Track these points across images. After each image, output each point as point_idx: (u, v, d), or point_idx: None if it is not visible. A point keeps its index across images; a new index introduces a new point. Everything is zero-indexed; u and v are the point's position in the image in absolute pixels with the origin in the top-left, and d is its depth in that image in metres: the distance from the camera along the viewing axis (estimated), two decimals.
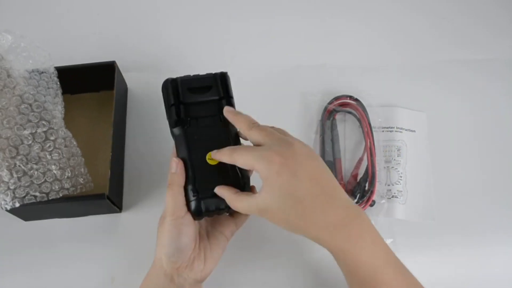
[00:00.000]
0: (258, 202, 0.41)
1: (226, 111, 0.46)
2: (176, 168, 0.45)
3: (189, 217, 0.44)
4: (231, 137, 0.47)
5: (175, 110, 0.47)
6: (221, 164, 0.45)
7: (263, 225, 0.55)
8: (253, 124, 0.44)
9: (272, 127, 0.45)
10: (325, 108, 0.62)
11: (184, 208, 0.44)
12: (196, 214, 0.44)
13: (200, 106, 0.48)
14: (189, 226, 0.44)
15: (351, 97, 0.62)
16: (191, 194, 0.44)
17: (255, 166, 0.41)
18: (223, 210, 0.44)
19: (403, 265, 0.43)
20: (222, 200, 0.44)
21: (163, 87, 0.49)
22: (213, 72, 0.50)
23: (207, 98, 0.48)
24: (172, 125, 0.47)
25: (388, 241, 0.54)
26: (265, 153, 0.40)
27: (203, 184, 0.44)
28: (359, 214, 0.41)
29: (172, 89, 0.48)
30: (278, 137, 0.42)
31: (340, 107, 0.62)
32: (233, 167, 0.45)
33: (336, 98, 0.62)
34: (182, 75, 0.50)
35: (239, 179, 0.45)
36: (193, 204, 0.44)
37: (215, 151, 0.45)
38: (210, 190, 0.43)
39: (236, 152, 0.43)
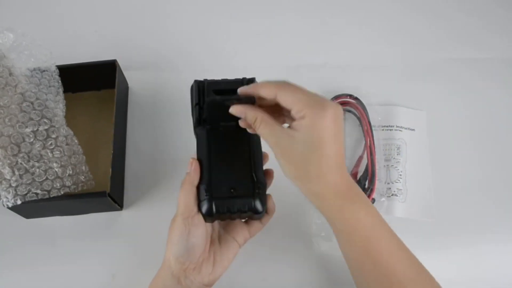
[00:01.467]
0: (287, 132, 0.41)
1: (240, 90, 0.43)
2: (190, 168, 0.44)
3: (200, 217, 0.43)
4: (253, 141, 0.46)
5: (198, 110, 0.46)
6: (237, 167, 0.45)
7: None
8: (277, 86, 0.41)
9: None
10: None
11: (195, 208, 0.43)
12: (207, 214, 0.43)
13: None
14: (199, 227, 0.43)
15: (351, 96, 0.62)
16: (203, 193, 0.43)
17: (305, 108, 0.39)
18: (235, 214, 0.43)
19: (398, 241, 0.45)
20: (235, 203, 0.43)
21: (191, 88, 0.48)
22: (242, 76, 0.48)
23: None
24: (195, 125, 0.47)
25: None
26: (320, 103, 0.39)
27: (217, 185, 0.43)
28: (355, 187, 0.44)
29: (198, 89, 0.47)
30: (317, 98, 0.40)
31: (341, 106, 0.62)
32: (249, 171, 0.45)
33: (337, 97, 0.62)
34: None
35: (254, 183, 0.44)
36: (204, 204, 0.43)
37: (244, 87, 0.43)
38: (224, 191, 0.42)
39: (281, 90, 0.40)
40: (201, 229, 0.43)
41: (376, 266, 0.42)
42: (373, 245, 0.43)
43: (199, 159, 0.45)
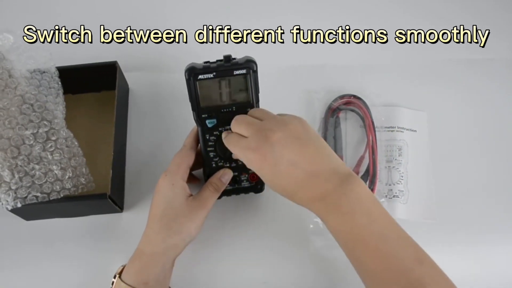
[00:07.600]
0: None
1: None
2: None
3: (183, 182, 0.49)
4: None
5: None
6: None
7: (264, 220, 0.55)
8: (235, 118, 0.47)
9: (254, 111, 0.48)
10: (329, 106, 0.62)
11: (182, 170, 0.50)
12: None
13: None
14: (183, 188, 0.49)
15: (354, 96, 0.62)
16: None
17: (242, 159, 0.46)
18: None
19: (386, 234, 0.42)
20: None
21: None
22: None
23: None
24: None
25: None
26: (245, 152, 0.44)
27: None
28: (338, 187, 0.42)
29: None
30: (257, 129, 0.44)
31: (344, 105, 0.62)
32: None
33: (341, 97, 0.62)
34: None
35: None
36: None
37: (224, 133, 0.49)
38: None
39: (227, 140, 0.47)
40: (185, 191, 0.49)
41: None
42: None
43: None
